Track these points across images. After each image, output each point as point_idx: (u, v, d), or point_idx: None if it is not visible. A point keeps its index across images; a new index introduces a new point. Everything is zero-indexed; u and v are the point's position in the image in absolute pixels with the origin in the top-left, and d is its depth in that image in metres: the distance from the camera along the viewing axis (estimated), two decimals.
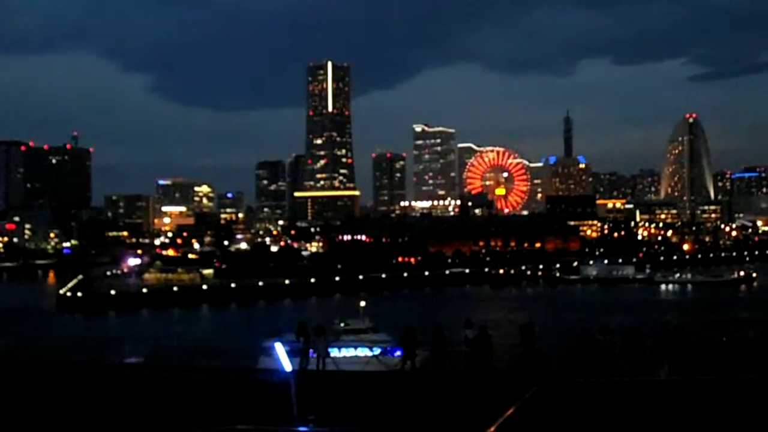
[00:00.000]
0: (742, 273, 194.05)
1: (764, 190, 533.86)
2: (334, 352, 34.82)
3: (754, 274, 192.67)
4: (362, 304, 63.87)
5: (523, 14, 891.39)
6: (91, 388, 25.23)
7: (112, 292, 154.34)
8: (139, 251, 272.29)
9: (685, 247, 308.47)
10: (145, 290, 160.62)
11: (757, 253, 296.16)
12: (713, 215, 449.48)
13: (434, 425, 20.46)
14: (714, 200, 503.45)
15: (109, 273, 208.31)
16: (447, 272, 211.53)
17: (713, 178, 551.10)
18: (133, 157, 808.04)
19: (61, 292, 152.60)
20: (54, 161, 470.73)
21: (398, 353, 34.51)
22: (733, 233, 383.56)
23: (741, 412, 21.59)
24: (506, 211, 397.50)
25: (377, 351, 36.89)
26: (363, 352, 38.06)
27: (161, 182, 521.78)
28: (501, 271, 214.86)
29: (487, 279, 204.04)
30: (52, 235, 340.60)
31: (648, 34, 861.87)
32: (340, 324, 53.04)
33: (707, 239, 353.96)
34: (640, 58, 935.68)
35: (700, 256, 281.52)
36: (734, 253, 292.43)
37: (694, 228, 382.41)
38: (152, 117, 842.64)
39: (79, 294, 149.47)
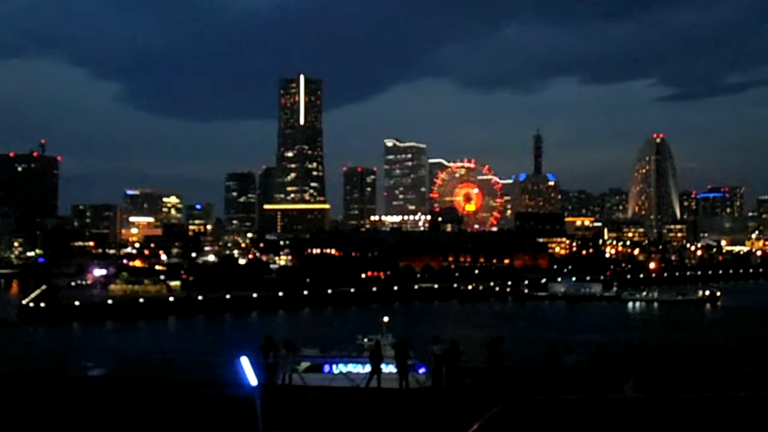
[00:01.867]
0: (707, 292, 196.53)
1: (728, 210, 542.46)
2: (358, 369, 33.89)
3: (719, 294, 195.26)
4: (385, 319, 62.70)
5: (493, 32, 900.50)
6: (49, 401, 24.73)
7: (77, 302, 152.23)
8: (105, 261, 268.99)
9: (652, 265, 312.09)
10: (110, 301, 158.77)
11: (721, 272, 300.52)
12: (679, 234, 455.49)
13: None
14: (680, 219, 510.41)
15: (73, 283, 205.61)
16: (416, 287, 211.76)
17: (679, 198, 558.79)
18: (102, 167, 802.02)
19: (24, 302, 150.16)
20: (20, 169, 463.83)
21: (422, 370, 33.89)
22: (699, 252, 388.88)
23: (705, 430, 21.74)
24: (476, 227, 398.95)
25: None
26: (387, 368, 36.39)
27: (129, 192, 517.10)
28: (470, 287, 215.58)
29: (455, 294, 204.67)
30: (15, 244, 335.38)
31: (617, 54, 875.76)
32: (363, 339, 51.44)
33: (673, 258, 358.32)
34: (609, 77, 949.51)
35: (666, 274, 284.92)
36: (699, 272, 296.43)
37: (660, 247, 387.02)
38: (122, 126, 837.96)
39: (43, 304, 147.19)
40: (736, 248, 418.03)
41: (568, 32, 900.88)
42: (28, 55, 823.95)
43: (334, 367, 31.75)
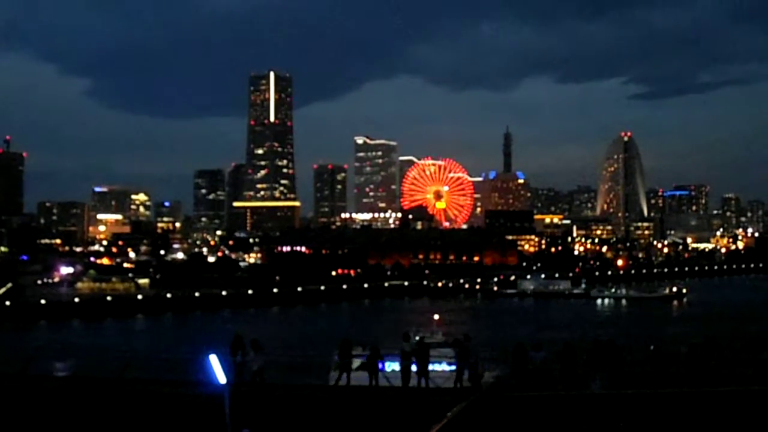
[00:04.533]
0: (674, 289, 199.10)
1: (694, 208, 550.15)
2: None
3: (685, 290, 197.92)
4: (436, 317, 62.03)
5: (467, 29, 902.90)
6: (14, 402, 24.41)
7: (43, 301, 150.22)
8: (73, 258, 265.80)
9: (620, 262, 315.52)
10: (77, 300, 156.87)
11: (687, 269, 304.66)
12: (646, 232, 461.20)
13: None
14: (647, 217, 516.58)
15: (40, 282, 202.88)
16: (386, 285, 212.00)
17: (646, 196, 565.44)
18: (69, 163, 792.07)
19: None
20: None
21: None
22: (665, 250, 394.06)
23: (671, 425, 22.05)
24: (446, 224, 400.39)
25: (453, 367, 35.35)
26: (440, 367, 35.73)
27: (97, 189, 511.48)
28: (440, 284, 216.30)
29: (426, 292, 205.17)
30: None
31: (590, 53, 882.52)
32: (415, 337, 50.60)
33: (640, 255, 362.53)
34: (583, 76, 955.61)
35: (633, 271, 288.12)
36: (666, 269, 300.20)
37: (628, 244, 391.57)
38: (90, 122, 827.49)
39: (8, 303, 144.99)
40: (702, 245, 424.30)
41: (543, 31, 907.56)
42: None
43: (386, 365, 31.51)
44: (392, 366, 31.28)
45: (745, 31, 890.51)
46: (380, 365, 29.24)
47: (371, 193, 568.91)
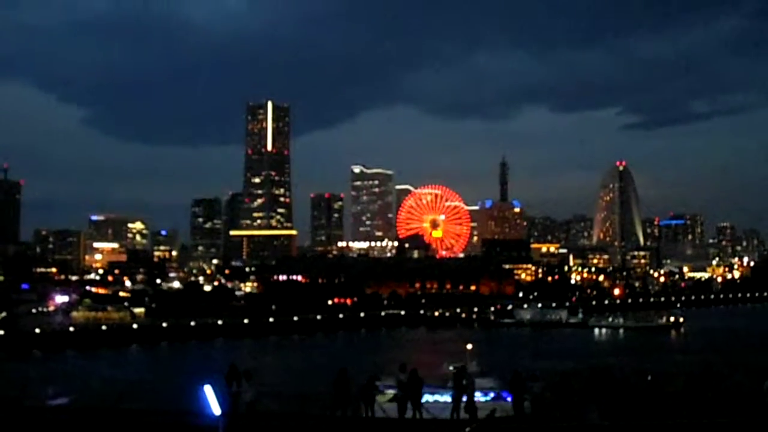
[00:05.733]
0: (672, 318, 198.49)
1: (690, 237, 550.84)
2: (446, 398, 33.26)
3: (682, 320, 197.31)
4: (469, 347, 61.49)
5: (463, 59, 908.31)
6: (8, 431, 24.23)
7: (37, 330, 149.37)
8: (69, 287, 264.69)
9: (616, 291, 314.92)
10: (72, 329, 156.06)
11: (683, 298, 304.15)
12: (642, 261, 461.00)
13: None
14: (643, 246, 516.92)
15: (34, 310, 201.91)
16: (383, 314, 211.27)
17: (642, 225, 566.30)
18: (66, 192, 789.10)
19: None
20: None
21: (509, 399, 33.32)
22: (662, 279, 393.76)
23: None
24: (443, 253, 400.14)
25: (490, 396, 34.86)
26: (475, 397, 35.38)
27: (93, 218, 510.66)
28: (436, 314, 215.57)
29: (422, 321, 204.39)
30: None
31: (586, 83, 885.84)
32: (449, 367, 50.17)
33: (637, 284, 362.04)
34: (578, 105, 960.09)
35: (630, 300, 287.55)
36: (662, 299, 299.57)
37: (624, 273, 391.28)
38: (87, 150, 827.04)
39: (2, 332, 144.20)
40: (698, 274, 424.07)
41: (539, 60, 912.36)
42: None
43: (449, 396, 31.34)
44: (426, 398, 31.17)
45: (738, 61, 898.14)
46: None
47: (368, 222, 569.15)
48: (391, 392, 31.73)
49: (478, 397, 34.64)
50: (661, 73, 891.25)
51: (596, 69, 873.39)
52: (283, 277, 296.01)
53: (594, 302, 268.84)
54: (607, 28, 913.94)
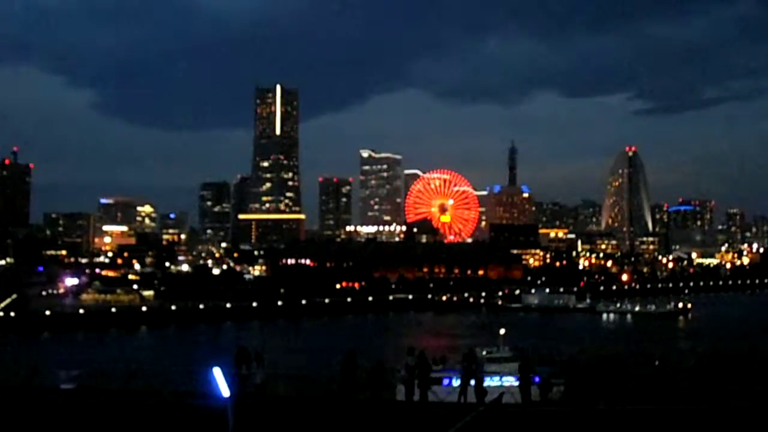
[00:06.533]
0: (680, 304, 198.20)
1: (699, 223, 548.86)
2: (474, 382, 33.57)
3: (690, 305, 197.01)
4: (502, 332, 61.68)
5: (473, 44, 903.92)
6: (18, 414, 24.41)
7: (48, 312, 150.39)
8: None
9: (624, 277, 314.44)
10: (82, 311, 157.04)
11: (692, 284, 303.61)
12: (651, 247, 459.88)
13: None
14: (652, 232, 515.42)
15: (44, 293, 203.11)
16: (391, 298, 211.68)
17: (651, 211, 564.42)
18: (75, 175, 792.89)
19: None
20: None
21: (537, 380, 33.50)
22: (670, 265, 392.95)
23: None
24: (451, 238, 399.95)
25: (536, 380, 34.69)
26: (508, 381, 35.65)
27: (103, 201, 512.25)
28: (444, 298, 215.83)
29: (430, 305, 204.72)
30: None
31: (597, 68, 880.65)
32: (482, 352, 50.36)
33: (645, 270, 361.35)
34: (588, 91, 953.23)
35: (638, 286, 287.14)
36: (671, 284, 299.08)
37: (632, 259, 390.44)
38: (97, 134, 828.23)
39: (13, 314, 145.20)
40: (706, 261, 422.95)
41: (549, 46, 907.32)
42: (2, 62, 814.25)
43: (453, 380, 31.48)
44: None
45: (749, 46, 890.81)
46: (447, 381, 29.35)
47: (376, 207, 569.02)
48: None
49: (512, 381, 35.03)
50: (672, 59, 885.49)
51: (607, 54, 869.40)
52: (291, 261, 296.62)
53: (602, 288, 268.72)
54: (618, 14, 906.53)
